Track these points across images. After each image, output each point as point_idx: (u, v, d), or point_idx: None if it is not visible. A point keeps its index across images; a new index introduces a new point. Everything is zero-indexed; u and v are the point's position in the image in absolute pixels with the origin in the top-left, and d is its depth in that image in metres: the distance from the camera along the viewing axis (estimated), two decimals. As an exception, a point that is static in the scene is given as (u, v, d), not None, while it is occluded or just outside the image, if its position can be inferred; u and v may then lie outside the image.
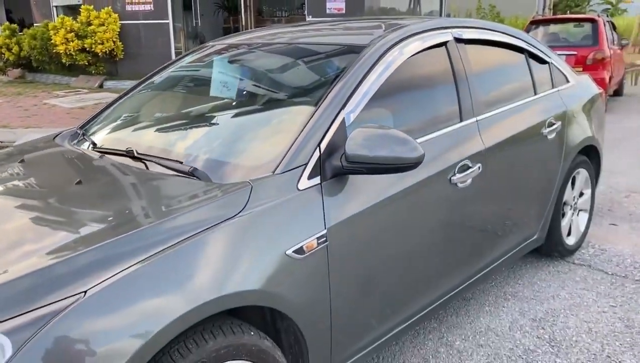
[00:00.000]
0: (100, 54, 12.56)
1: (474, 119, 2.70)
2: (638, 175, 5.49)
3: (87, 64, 12.73)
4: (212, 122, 2.50)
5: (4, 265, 1.55)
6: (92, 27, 12.42)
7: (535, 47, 3.37)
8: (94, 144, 2.48)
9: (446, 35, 2.73)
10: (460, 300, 3.13)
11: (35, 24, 14.55)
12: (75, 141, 2.62)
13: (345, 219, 2.02)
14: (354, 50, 2.41)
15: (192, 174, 1.99)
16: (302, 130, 2.04)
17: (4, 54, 14.05)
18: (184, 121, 2.63)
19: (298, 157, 1.98)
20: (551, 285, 3.33)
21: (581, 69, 8.13)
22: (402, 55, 2.44)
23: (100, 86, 12.58)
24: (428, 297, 2.54)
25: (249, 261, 1.75)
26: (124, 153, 2.23)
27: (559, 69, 3.54)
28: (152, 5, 12.98)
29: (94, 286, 1.47)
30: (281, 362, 1.87)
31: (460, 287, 2.72)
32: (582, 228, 3.78)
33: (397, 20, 2.89)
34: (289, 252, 1.84)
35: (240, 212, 1.78)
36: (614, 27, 10.58)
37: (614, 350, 2.69)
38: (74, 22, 12.57)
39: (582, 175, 3.66)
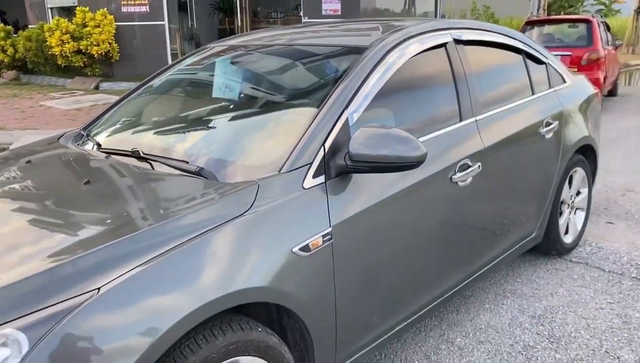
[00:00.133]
0: (96, 56, 12.54)
1: (473, 119, 2.74)
2: (633, 174, 5.55)
3: (82, 65, 12.71)
4: (218, 122, 2.53)
5: (19, 263, 1.58)
6: (87, 28, 12.40)
7: (532, 48, 3.41)
8: (99, 145, 2.50)
9: (445, 37, 2.77)
10: (460, 297, 3.17)
11: (29, 26, 14.52)
12: (79, 142, 2.64)
13: (349, 217, 2.06)
14: (356, 51, 2.44)
15: (199, 173, 2.02)
16: (307, 130, 2.08)
17: (-1, 56, 14.04)
18: (188, 122, 2.65)
19: (303, 156, 2.01)
20: (549, 283, 3.37)
21: (576, 70, 8.18)
22: (403, 56, 2.48)
23: (96, 88, 12.57)
24: (429, 295, 2.58)
25: (257, 258, 1.78)
26: (130, 153, 2.26)
27: (555, 69, 3.59)
28: (147, 7, 12.98)
29: (107, 283, 1.50)
30: (288, 357, 1.91)
31: (461, 285, 2.76)
32: (579, 227, 3.83)
33: (397, 21, 2.92)
34: (295, 249, 1.87)
35: (247, 210, 1.81)
36: (608, 27, 10.66)
37: (612, 346, 2.73)
38: (70, 23, 12.55)
39: (579, 174, 3.71)
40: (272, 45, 2.94)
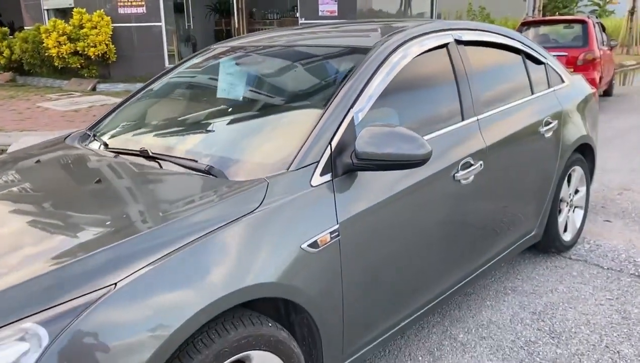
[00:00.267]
0: (92, 57, 12.54)
1: (474, 118, 2.78)
2: (630, 173, 5.61)
3: (79, 67, 12.71)
4: (225, 122, 2.56)
5: (39, 258, 1.61)
6: (84, 30, 12.41)
7: (531, 48, 3.46)
8: (106, 145, 2.53)
9: (447, 37, 2.81)
10: (461, 295, 3.21)
11: (25, 27, 14.51)
12: (86, 142, 2.67)
13: (356, 214, 2.09)
14: (360, 51, 2.48)
15: (209, 172, 2.05)
16: (314, 129, 2.12)
17: (-5, 57, 14.02)
18: (196, 122, 2.69)
19: (310, 154, 2.05)
20: (549, 280, 3.42)
21: (572, 70, 8.25)
22: (406, 57, 2.52)
23: (93, 89, 12.56)
24: (433, 291, 2.61)
25: (267, 254, 1.81)
26: (138, 153, 2.29)
27: (554, 69, 3.64)
28: (144, 8, 13.00)
29: (124, 279, 1.53)
30: (297, 352, 1.94)
31: (463, 282, 2.80)
32: (578, 225, 3.88)
33: (399, 22, 2.97)
34: (304, 245, 1.90)
35: (258, 207, 1.85)
36: (603, 28, 10.74)
37: (612, 341, 2.78)
38: (66, 25, 12.55)
39: (577, 172, 3.76)
40: (278, 46, 2.97)
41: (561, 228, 3.67)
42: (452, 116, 2.69)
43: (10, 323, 1.42)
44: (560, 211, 3.65)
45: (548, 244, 3.64)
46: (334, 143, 2.10)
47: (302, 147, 2.06)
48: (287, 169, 2.01)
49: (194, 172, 2.08)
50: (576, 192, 3.84)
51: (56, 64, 12.76)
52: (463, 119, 2.72)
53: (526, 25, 10.36)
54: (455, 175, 2.55)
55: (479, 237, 2.85)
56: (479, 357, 2.68)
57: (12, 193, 2.20)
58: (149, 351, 1.51)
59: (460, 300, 3.18)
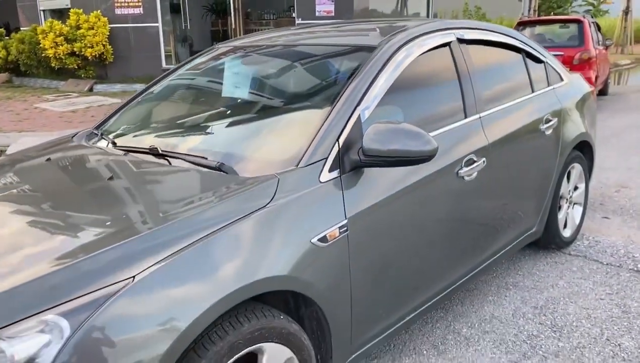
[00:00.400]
0: (90, 58, 12.56)
1: (477, 116, 2.82)
2: (627, 171, 5.67)
3: (76, 67, 12.72)
4: (234, 120, 2.60)
5: (59, 252, 1.65)
6: (81, 30, 12.42)
7: (531, 47, 3.51)
8: (114, 143, 2.56)
9: (449, 36, 2.86)
10: (464, 290, 3.25)
11: (22, 28, 14.50)
12: (94, 140, 2.70)
13: (363, 210, 2.14)
14: (366, 50, 2.52)
15: (220, 168, 2.09)
16: (322, 127, 2.15)
17: (-9, 58, 14.02)
18: (204, 120, 2.72)
19: (319, 151, 2.09)
20: (550, 275, 3.47)
21: (568, 69, 8.31)
22: (410, 55, 2.56)
23: (90, 90, 12.58)
24: (436, 286, 2.65)
25: (279, 248, 1.85)
26: (148, 151, 2.32)
27: (553, 68, 3.69)
28: (141, 9, 13.02)
29: (142, 272, 1.56)
30: (307, 344, 1.98)
31: (467, 277, 2.85)
32: (577, 221, 3.93)
33: (402, 22, 3.00)
34: (314, 240, 1.94)
35: (269, 202, 1.89)
36: (598, 27, 10.82)
37: (612, 334, 2.83)
38: (63, 25, 12.56)
39: (576, 169, 3.81)
40: (284, 45, 3.01)
41: (561, 224, 3.72)
42: (455, 113, 2.74)
43: (31, 316, 1.45)
44: (560, 208, 3.70)
45: (548, 240, 3.69)
46: (342, 140, 2.14)
47: (310, 144, 2.10)
48: (297, 166, 2.05)
49: (205, 169, 2.12)
50: (575, 188, 3.90)
51: (53, 64, 12.77)
52: (466, 117, 2.77)
53: (522, 25, 10.43)
54: (459, 171, 2.59)
55: (481, 233, 2.90)
56: (482, 351, 2.72)
57: (29, 190, 2.25)
58: (166, 343, 1.54)
59: (463, 296, 3.23)
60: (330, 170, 2.08)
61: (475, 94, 2.84)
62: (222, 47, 3.22)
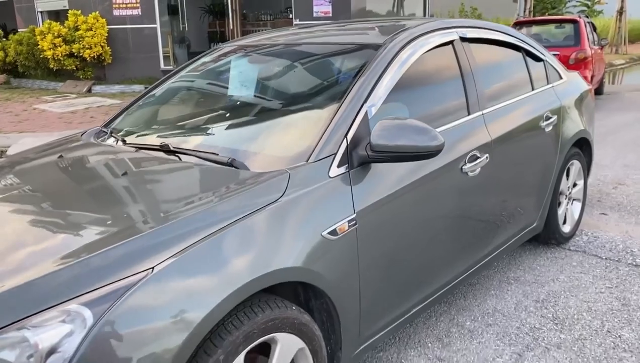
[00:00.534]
0: (88, 59, 12.59)
1: (480, 113, 2.88)
2: (624, 169, 5.74)
3: (75, 68, 12.75)
4: (244, 117, 2.65)
5: (80, 243, 1.70)
6: (79, 32, 12.45)
7: (531, 46, 3.57)
8: (124, 141, 2.61)
9: (452, 35, 2.91)
10: (466, 285, 3.31)
11: (20, 30, 14.51)
12: (104, 138, 2.75)
13: (371, 204, 2.19)
14: (371, 48, 2.57)
15: (231, 164, 2.14)
16: (330, 123, 2.21)
17: (-11, 60, 14.03)
18: (214, 117, 2.76)
19: (328, 147, 2.14)
20: (550, 270, 3.53)
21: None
22: (415, 53, 2.62)
23: (89, 91, 12.60)
24: (440, 280, 2.70)
25: (291, 241, 1.90)
26: (159, 148, 2.37)
27: (552, 66, 3.75)
28: (139, 10, 13.05)
29: (160, 263, 1.61)
30: (318, 335, 2.03)
31: (469, 271, 2.90)
32: (576, 217, 3.99)
33: (405, 21, 3.06)
34: (324, 233, 1.99)
35: (281, 196, 1.94)
36: (594, 27, 10.91)
37: (613, 326, 2.89)
38: (62, 27, 12.58)
39: (575, 166, 3.88)
40: (291, 44, 3.05)
41: (561, 220, 3.78)
42: (458, 110, 2.79)
43: (55, 305, 1.49)
44: (559, 203, 3.76)
45: (548, 236, 3.75)
46: (350, 136, 2.19)
47: (320, 140, 2.15)
48: (307, 161, 2.10)
49: (217, 165, 2.17)
50: (574, 185, 3.96)
51: (51, 66, 12.79)
52: (469, 114, 2.82)
53: (518, 25, 10.52)
54: (463, 167, 2.65)
55: (484, 228, 2.95)
56: (486, 343, 2.77)
57: (46, 185, 2.30)
58: (184, 333, 1.58)
59: (466, 290, 3.28)
60: (339, 166, 2.14)
61: (477, 91, 2.90)
62: (229, 46, 3.27)
